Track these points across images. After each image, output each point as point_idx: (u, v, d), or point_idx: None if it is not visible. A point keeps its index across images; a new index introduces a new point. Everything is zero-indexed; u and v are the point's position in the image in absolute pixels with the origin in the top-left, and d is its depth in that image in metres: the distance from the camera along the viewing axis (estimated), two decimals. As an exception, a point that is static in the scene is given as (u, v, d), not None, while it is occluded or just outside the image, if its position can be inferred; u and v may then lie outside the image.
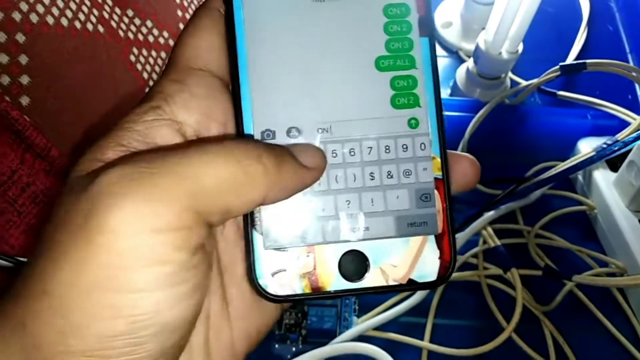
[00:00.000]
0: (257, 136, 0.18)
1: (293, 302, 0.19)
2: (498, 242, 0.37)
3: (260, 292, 0.18)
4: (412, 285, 0.18)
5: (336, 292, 0.18)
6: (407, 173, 0.18)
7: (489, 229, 0.40)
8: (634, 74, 0.41)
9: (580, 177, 0.46)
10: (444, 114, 0.19)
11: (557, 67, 0.44)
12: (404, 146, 0.19)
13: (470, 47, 0.58)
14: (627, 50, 0.55)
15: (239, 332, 0.18)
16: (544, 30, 0.59)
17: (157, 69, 0.46)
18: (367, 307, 0.38)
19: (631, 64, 0.53)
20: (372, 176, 0.19)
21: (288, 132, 0.18)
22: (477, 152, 0.45)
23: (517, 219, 0.43)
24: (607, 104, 0.47)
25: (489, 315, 0.38)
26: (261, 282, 0.18)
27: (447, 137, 0.46)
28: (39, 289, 0.13)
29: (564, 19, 0.60)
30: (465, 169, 0.19)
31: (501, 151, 0.49)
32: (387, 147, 0.19)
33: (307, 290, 0.18)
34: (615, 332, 0.37)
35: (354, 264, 0.18)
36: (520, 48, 0.48)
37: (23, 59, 0.33)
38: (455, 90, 0.54)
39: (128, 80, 0.43)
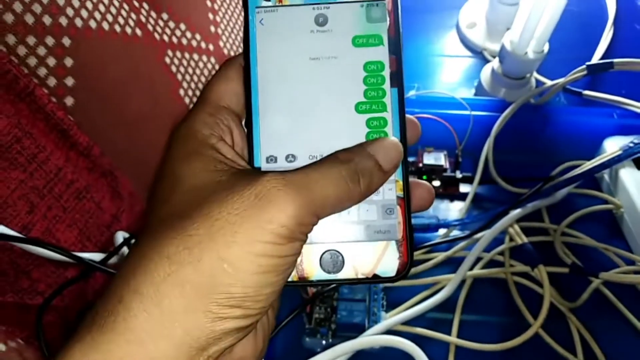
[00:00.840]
0: (263, 160, 0.23)
1: (287, 287, 0.22)
2: (525, 240, 0.38)
3: None
4: (376, 279, 0.23)
5: (317, 281, 0.23)
6: (376, 192, 0.23)
7: (516, 227, 0.41)
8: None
9: (606, 176, 0.46)
10: (407, 147, 0.23)
11: (584, 66, 0.45)
12: None
13: (494, 47, 0.58)
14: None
15: None
16: (570, 30, 0.59)
17: (190, 70, 0.48)
18: (396, 302, 0.39)
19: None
20: None
21: (286, 158, 0.23)
22: (504, 151, 0.46)
23: (543, 218, 0.44)
24: (633, 102, 0.47)
25: (515, 311, 0.39)
26: None
27: (474, 136, 0.46)
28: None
29: (590, 18, 0.60)
30: (422, 193, 0.24)
31: (527, 150, 0.49)
32: None
33: (295, 279, 0.23)
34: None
35: (332, 260, 0.23)
36: (546, 48, 0.48)
37: (68, 62, 0.35)
38: (480, 90, 0.55)
39: (164, 81, 0.44)
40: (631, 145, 0.43)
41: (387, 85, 0.24)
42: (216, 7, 0.53)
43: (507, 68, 0.50)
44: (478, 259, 0.41)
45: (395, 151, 0.22)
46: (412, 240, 0.23)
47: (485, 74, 0.54)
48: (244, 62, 0.24)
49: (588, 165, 0.44)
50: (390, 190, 0.23)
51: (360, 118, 0.23)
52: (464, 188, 0.47)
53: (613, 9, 0.58)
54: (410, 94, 0.51)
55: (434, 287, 0.40)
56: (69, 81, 0.35)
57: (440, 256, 0.41)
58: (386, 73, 0.24)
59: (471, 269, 0.40)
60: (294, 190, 0.18)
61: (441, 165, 0.47)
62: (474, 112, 0.47)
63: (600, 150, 0.47)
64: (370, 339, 0.35)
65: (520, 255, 0.41)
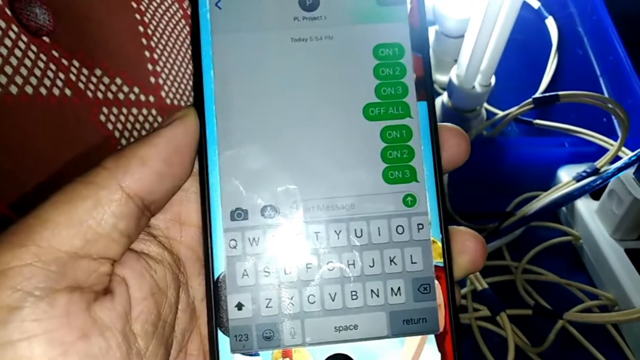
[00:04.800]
0: (226, 218, 0.16)
1: None
2: (485, 285, 0.37)
3: None
4: None
5: None
6: (403, 260, 0.16)
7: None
8: (609, 105, 0.41)
9: (563, 207, 0.46)
10: (444, 186, 0.17)
11: (531, 100, 0.44)
12: (399, 228, 0.17)
13: (443, 78, 0.58)
14: (598, 73, 0.55)
15: None
16: (516, 57, 0.59)
17: (128, 126, 0.46)
18: None
19: (602, 87, 0.53)
20: (358, 262, 0.16)
21: (262, 211, 0.16)
22: (459, 187, 0.45)
23: (504, 254, 0.43)
24: (583, 130, 0.47)
25: (482, 358, 0.37)
26: None
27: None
28: None
29: (535, 44, 0.61)
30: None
31: (483, 183, 0.48)
32: (379, 229, 0.17)
33: None
34: (611, 367, 0.37)
35: None
36: (493, 80, 0.48)
37: (-15, 133, 0.32)
38: (432, 124, 0.54)
39: (99, 141, 0.42)
40: (584, 174, 0.42)
41: (406, 80, 0.17)
42: (156, 56, 0.51)
43: (456, 102, 0.50)
44: (441, 305, 0.39)
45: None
46: (459, 331, 0.16)
47: (436, 107, 0.53)
48: (194, 67, 0.17)
49: (544, 197, 0.43)
50: (425, 257, 0.16)
51: (371, 127, 0.17)
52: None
53: (556, 35, 0.59)
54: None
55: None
56: (-13, 156, 0.33)
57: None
58: (407, 62, 0.17)
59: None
60: None
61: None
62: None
63: (556, 180, 0.46)
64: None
65: (484, 299, 0.39)
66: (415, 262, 0.16)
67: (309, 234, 0.16)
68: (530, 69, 0.59)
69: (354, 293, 0.16)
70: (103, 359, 0.14)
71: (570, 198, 0.41)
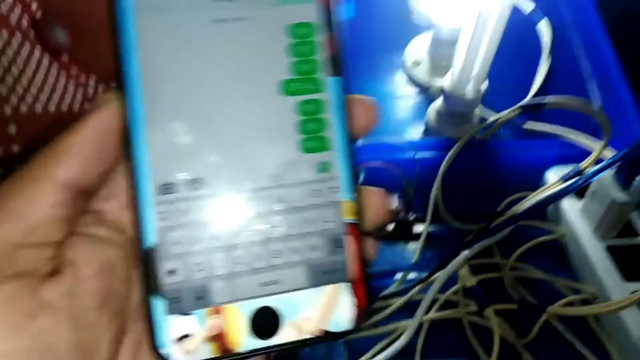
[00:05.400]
0: (153, 191, 0.17)
1: None
2: (473, 282, 0.39)
3: None
4: (327, 336, 0.18)
5: (248, 352, 0.18)
6: (318, 220, 0.18)
7: (465, 268, 0.43)
8: (589, 109, 0.43)
9: (550, 206, 0.48)
10: (356, 153, 0.19)
11: (519, 106, 0.47)
12: (314, 192, 0.19)
13: (439, 84, 0.60)
14: (587, 76, 0.58)
15: None
16: (508, 59, 0.61)
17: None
18: (357, 353, 0.40)
19: (592, 93, 0.56)
20: (279, 224, 0.18)
21: (190, 184, 0.18)
22: (452, 189, 0.48)
23: (493, 252, 0.46)
24: (570, 133, 0.49)
25: (472, 351, 0.40)
26: (163, 351, 0.17)
27: (424, 176, 0.47)
28: None
29: (527, 45, 0.63)
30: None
31: (475, 185, 0.51)
32: (298, 195, 0.19)
33: (217, 354, 0.17)
34: (591, 358, 0.39)
35: (266, 321, 0.18)
36: (485, 85, 0.51)
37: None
38: (427, 128, 0.57)
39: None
40: (570, 175, 0.45)
41: (319, 57, 0.19)
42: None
43: (450, 107, 0.53)
44: (434, 301, 0.42)
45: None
46: (369, 277, 0.18)
47: (431, 113, 0.56)
48: (113, 49, 0.18)
49: (532, 197, 0.46)
50: (337, 216, 0.19)
51: (287, 101, 0.19)
52: (417, 228, 0.49)
53: (549, 38, 0.61)
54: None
55: (393, 335, 0.41)
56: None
57: (397, 302, 0.43)
58: (317, 41, 0.19)
59: (427, 311, 0.41)
60: None
61: (393, 209, 0.49)
62: (419, 155, 0.49)
63: (544, 181, 0.49)
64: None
65: (474, 294, 0.42)
66: (329, 221, 0.18)
67: (234, 202, 0.18)
68: (524, 71, 0.61)
69: (276, 252, 0.18)
70: (53, 334, 0.16)
71: (555, 198, 0.44)
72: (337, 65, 0.19)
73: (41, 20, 0.41)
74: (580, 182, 0.42)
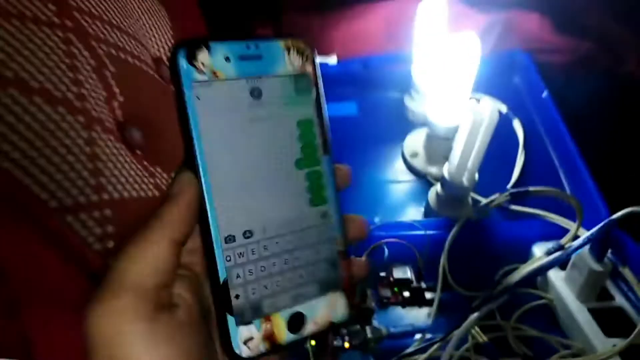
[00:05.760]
0: (222, 241, 0.24)
1: (259, 357, 0.25)
2: (485, 339, 0.47)
3: (237, 358, 0.24)
4: (334, 325, 0.27)
5: (288, 343, 0.25)
6: (323, 251, 0.26)
7: (476, 328, 0.51)
8: (567, 198, 0.54)
9: (538, 276, 0.58)
10: (340, 204, 0.27)
11: (508, 193, 0.57)
12: (320, 233, 0.27)
13: (435, 171, 0.71)
14: (557, 165, 0.70)
15: None
16: (492, 151, 0.73)
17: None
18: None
19: (562, 179, 0.67)
20: (300, 256, 0.26)
21: (244, 234, 0.25)
22: (456, 262, 0.56)
23: (495, 315, 0.54)
24: (550, 215, 0.60)
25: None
26: (237, 351, 0.24)
27: (432, 253, 0.56)
28: None
29: (506, 142, 0.75)
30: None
31: (473, 258, 0.60)
32: (312, 235, 0.27)
33: (270, 348, 0.25)
34: (584, 402, 0.47)
35: (297, 321, 0.26)
36: (477, 177, 0.61)
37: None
38: (428, 209, 0.66)
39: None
40: (552, 250, 0.55)
41: (316, 142, 0.27)
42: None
43: (448, 192, 0.63)
44: (451, 357, 0.50)
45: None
46: (354, 286, 0.27)
47: (432, 197, 0.66)
48: (185, 141, 0.24)
49: (523, 269, 0.55)
50: (334, 247, 0.27)
51: (299, 173, 0.26)
52: (428, 295, 0.57)
53: (522, 135, 0.74)
54: (376, 221, 0.61)
55: (420, 386, 0.48)
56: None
57: (420, 358, 0.50)
58: (316, 131, 0.27)
59: (446, 366, 0.49)
60: None
61: (408, 278, 0.57)
62: (429, 232, 0.59)
63: (531, 254, 0.58)
64: None
65: (483, 350, 0.50)
66: (329, 251, 0.27)
67: (271, 245, 0.26)
68: (506, 161, 0.72)
69: (299, 275, 0.26)
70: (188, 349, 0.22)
71: (543, 269, 0.53)
72: (327, 147, 0.27)
73: (123, 122, 0.50)
74: (564, 257, 0.51)
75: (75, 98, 0.44)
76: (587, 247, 0.51)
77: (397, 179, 0.72)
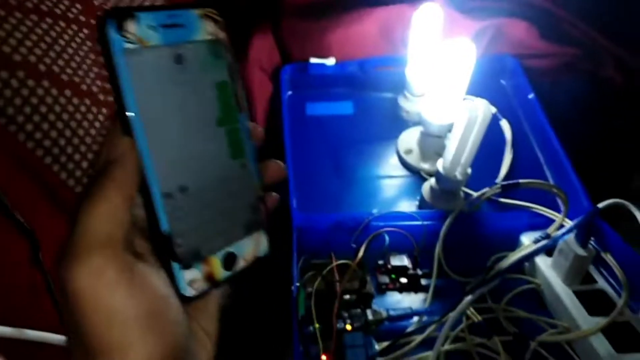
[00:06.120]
0: (162, 196, 0.26)
1: (203, 296, 0.28)
2: (480, 318, 0.51)
3: (184, 298, 0.27)
4: (259, 260, 0.30)
5: (224, 279, 0.29)
6: (246, 197, 0.30)
7: (471, 308, 0.54)
8: (554, 190, 0.58)
9: (526, 262, 0.62)
10: (256, 156, 0.30)
11: (499, 185, 0.61)
12: (241, 181, 0.30)
13: (428, 167, 0.75)
14: (543, 162, 0.74)
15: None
16: (480, 149, 0.77)
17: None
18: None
19: (547, 174, 0.72)
20: (228, 203, 0.30)
21: (179, 189, 0.27)
22: (449, 250, 0.60)
23: (487, 299, 0.58)
24: (536, 206, 0.64)
25: (480, 374, 0.51)
26: (183, 292, 0.27)
27: (427, 242, 0.60)
28: None
29: (495, 140, 0.79)
30: (274, 170, 0.32)
31: (466, 247, 0.64)
32: (235, 184, 0.30)
33: (209, 285, 0.28)
34: (570, 376, 0.51)
35: (230, 260, 0.29)
36: (469, 171, 0.65)
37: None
38: (422, 202, 0.70)
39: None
40: (539, 238, 0.59)
41: (233, 101, 0.30)
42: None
43: (442, 186, 0.66)
44: (446, 337, 0.53)
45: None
46: (270, 224, 0.31)
47: (426, 190, 0.69)
48: (118, 105, 0.25)
49: (513, 255, 0.59)
50: (255, 193, 0.31)
51: (220, 129, 0.29)
52: (424, 281, 0.61)
53: (509, 134, 0.78)
54: (374, 212, 0.65)
55: (418, 363, 0.52)
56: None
57: (418, 338, 0.53)
58: (232, 92, 0.29)
59: (443, 345, 0.52)
60: None
61: (405, 265, 0.61)
62: (425, 222, 0.62)
63: (520, 243, 0.62)
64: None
65: (477, 330, 0.54)
66: (250, 197, 0.30)
67: (203, 196, 0.28)
68: (495, 157, 0.76)
69: (229, 219, 0.29)
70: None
71: (531, 256, 0.57)
72: (242, 106, 0.30)
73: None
74: (551, 243, 0.56)
75: (100, 91, 0.47)
76: (572, 234, 0.55)
77: (392, 174, 0.76)
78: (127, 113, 0.25)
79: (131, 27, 0.25)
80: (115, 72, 0.24)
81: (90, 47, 0.47)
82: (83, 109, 0.45)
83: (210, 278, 0.28)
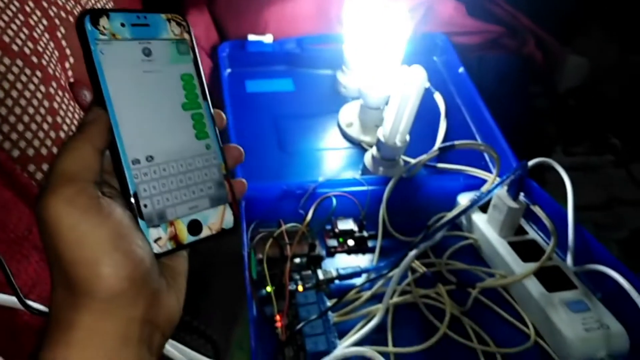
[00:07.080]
0: (131, 163, 0.30)
1: (169, 254, 0.31)
2: (425, 269, 0.53)
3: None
4: (224, 232, 0.33)
5: (189, 243, 0.32)
6: (211, 174, 0.33)
7: (416, 262, 0.57)
8: (485, 149, 0.62)
9: (464, 220, 0.65)
10: (220, 138, 0.34)
11: (436, 148, 0.65)
12: (206, 160, 0.33)
13: (368, 139, 0.77)
14: (474, 129, 0.78)
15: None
16: (420, 119, 0.80)
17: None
18: (344, 332, 0.52)
19: (478, 139, 0.76)
20: (194, 177, 0.33)
21: (146, 159, 0.31)
22: (393, 213, 0.63)
23: (429, 255, 0.61)
24: (471, 169, 0.68)
25: (427, 322, 0.54)
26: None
27: (371, 207, 0.62)
28: None
29: (431, 110, 0.82)
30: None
31: (409, 210, 0.67)
32: (200, 161, 0.33)
33: (174, 246, 0.31)
34: (507, 317, 0.55)
35: (195, 227, 0.32)
36: (408, 138, 0.68)
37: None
38: (364, 170, 0.72)
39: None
40: (475, 197, 0.62)
41: (197, 91, 0.33)
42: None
43: (383, 154, 0.69)
44: (394, 291, 0.56)
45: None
46: (236, 201, 0.34)
47: (367, 158, 0.72)
48: (93, 83, 0.29)
49: (450, 214, 0.62)
50: (220, 171, 0.34)
51: (186, 114, 0.33)
52: (370, 243, 0.63)
53: (443, 105, 0.82)
54: (320, 179, 0.66)
55: (368, 317, 0.53)
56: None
57: (367, 294, 0.55)
58: (196, 83, 0.33)
59: (391, 298, 0.54)
60: None
61: (352, 229, 0.63)
62: (369, 187, 0.64)
63: (456, 203, 0.66)
64: (337, 354, 0.47)
65: (422, 282, 0.56)
66: (215, 175, 0.33)
67: (168, 167, 0.32)
68: (431, 126, 0.80)
69: (194, 191, 0.33)
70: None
71: (466, 210, 0.61)
72: (205, 95, 0.34)
73: (74, 82, 0.51)
74: (484, 196, 0.59)
75: (32, 53, 0.45)
76: (505, 190, 0.59)
77: (334, 146, 0.77)
78: (100, 89, 0.29)
79: (104, 22, 0.30)
80: (91, 57, 0.29)
81: (19, 8, 0.45)
82: (15, 69, 0.43)
83: (175, 239, 0.31)
